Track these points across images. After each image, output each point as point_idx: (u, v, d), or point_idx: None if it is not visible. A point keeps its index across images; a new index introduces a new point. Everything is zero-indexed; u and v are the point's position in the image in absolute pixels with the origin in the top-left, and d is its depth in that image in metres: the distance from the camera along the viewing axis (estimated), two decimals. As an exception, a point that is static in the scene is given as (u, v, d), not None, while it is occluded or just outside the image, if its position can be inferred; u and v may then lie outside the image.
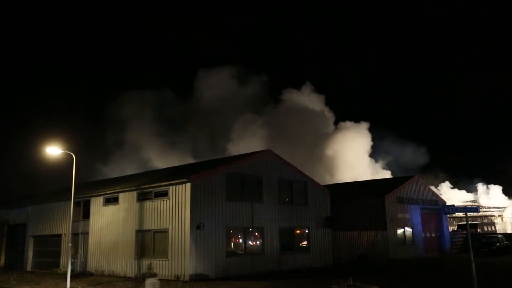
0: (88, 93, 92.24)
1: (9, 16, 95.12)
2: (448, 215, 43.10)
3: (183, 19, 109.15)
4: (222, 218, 23.50)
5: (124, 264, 24.93)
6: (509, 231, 55.08)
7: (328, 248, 29.06)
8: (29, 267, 31.87)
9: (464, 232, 40.50)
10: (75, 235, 27.83)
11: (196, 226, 22.07)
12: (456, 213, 45.74)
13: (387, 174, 63.78)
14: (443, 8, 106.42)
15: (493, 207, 63.06)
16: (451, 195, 64.09)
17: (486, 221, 55.39)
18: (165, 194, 23.62)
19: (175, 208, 22.85)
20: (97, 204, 27.74)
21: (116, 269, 25.27)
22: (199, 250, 22.00)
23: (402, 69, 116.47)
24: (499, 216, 59.69)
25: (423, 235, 37.80)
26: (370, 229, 33.82)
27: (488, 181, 70.75)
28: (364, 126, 64.67)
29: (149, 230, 24.04)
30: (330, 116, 67.74)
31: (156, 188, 24.18)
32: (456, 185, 70.08)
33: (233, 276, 22.66)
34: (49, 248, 30.88)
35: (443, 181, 69.87)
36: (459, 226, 47.29)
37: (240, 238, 24.78)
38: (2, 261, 35.51)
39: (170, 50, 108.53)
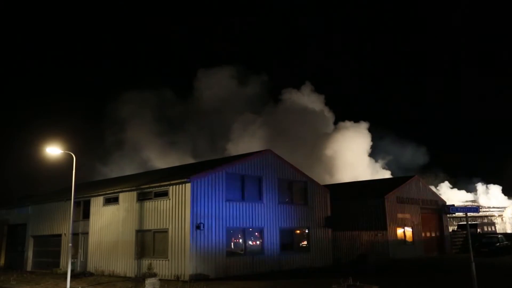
0: (88, 93, 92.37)
1: (9, 16, 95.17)
2: (448, 215, 43.10)
3: (183, 19, 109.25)
4: (222, 218, 23.50)
5: (124, 264, 24.94)
6: (509, 231, 55.08)
7: (328, 248, 29.05)
8: (29, 267, 31.87)
9: (464, 232, 40.50)
10: (75, 235, 27.81)
11: (196, 226, 22.07)
12: (456, 213, 45.95)
13: (386, 174, 63.79)
14: (443, 7, 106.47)
15: (493, 207, 63.05)
16: (451, 195, 64.09)
17: (486, 221, 55.39)
18: (165, 194, 23.62)
19: (175, 208, 22.85)
20: (97, 204, 27.74)
21: (116, 269, 25.27)
22: (199, 250, 22.00)
23: (402, 69, 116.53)
24: (499, 216, 59.70)
25: (423, 235, 37.80)
26: (370, 229, 33.82)
27: (487, 181, 70.82)
28: (363, 126, 64.75)
29: (149, 230, 24.04)
30: (329, 116, 67.83)
31: (156, 188, 24.18)
32: (456, 185, 70.15)
33: (233, 276, 22.66)
34: (49, 248, 30.88)
35: (443, 181, 69.93)
36: (459, 226, 47.30)
37: (240, 238, 24.78)
38: (2, 261, 35.51)
39: (170, 50, 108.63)
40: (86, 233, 28.11)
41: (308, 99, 66.74)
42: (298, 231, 27.90)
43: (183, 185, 22.71)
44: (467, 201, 64.89)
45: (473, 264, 16.23)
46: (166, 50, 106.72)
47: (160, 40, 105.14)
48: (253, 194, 25.53)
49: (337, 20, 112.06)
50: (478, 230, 45.62)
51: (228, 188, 24.13)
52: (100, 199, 27.54)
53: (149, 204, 24.36)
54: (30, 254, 32.45)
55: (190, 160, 55.49)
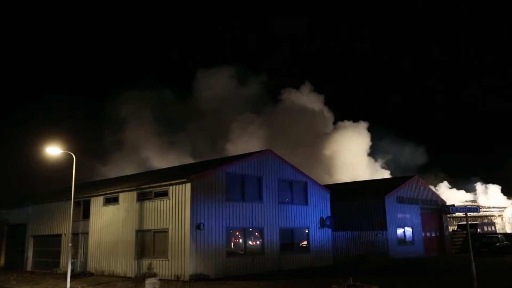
0: (88, 93, 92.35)
1: (9, 16, 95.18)
2: (448, 215, 43.11)
3: (182, 19, 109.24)
4: (222, 218, 23.50)
5: (124, 264, 24.94)
6: (509, 231, 55.07)
7: (328, 248, 29.07)
8: (29, 267, 31.87)
9: (464, 232, 40.51)
10: (75, 235, 27.83)
11: (196, 226, 22.07)
12: (456, 213, 45.96)
13: (386, 174, 63.79)
14: (443, 7, 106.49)
15: (493, 207, 63.03)
16: (450, 195, 64.02)
17: (486, 221, 55.39)
18: (165, 194, 23.63)
19: (175, 208, 22.85)
20: (97, 204, 27.74)
21: (116, 269, 25.27)
22: (199, 250, 22.01)
23: (402, 69, 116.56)
24: (499, 216, 59.70)
25: (423, 235, 37.82)
26: (370, 229, 33.83)
27: (486, 181, 70.77)
28: (363, 125, 64.69)
29: (149, 230, 24.05)
30: (329, 116, 67.81)
31: (156, 188, 24.19)
32: (455, 185, 70.13)
33: (233, 276, 22.66)
34: (49, 248, 30.89)
35: (442, 181, 69.88)
36: (459, 226, 47.31)
37: (240, 238, 24.78)
38: (2, 261, 35.51)
39: (169, 50, 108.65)
40: (86, 233, 28.11)
41: (308, 99, 66.73)
42: (298, 231, 27.85)
43: (183, 185, 22.71)
44: (466, 201, 64.88)
45: (473, 264, 16.23)
46: (166, 50, 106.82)
47: (159, 40, 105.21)
48: (253, 194, 25.54)
49: (337, 20, 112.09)
50: (478, 230, 45.62)
51: (228, 188, 24.13)
52: (100, 199, 27.54)
53: (149, 204, 24.37)
54: (30, 254, 32.46)
55: (189, 160, 55.53)
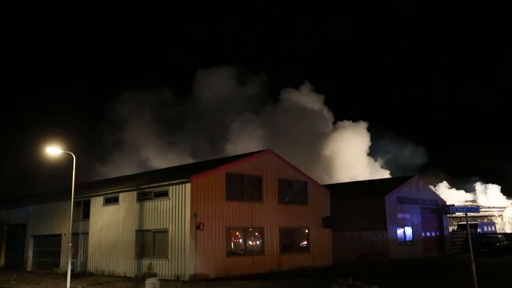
0: (87, 93, 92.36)
1: (9, 16, 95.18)
2: (448, 215, 43.11)
3: (182, 18, 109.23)
4: (222, 218, 23.50)
5: (124, 264, 24.94)
6: (508, 231, 55.08)
7: (328, 248, 29.06)
8: (29, 267, 31.87)
9: (464, 232, 40.51)
10: (75, 235, 27.83)
11: (196, 226, 22.07)
12: (456, 213, 45.97)
13: (385, 174, 63.80)
14: (443, 8, 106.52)
15: (493, 207, 63.03)
16: (449, 195, 64.02)
17: (486, 221, 55.40)
18: (165, 194, 23.62)
19: (175, 208, 22.85)
20: (97, 204, 27.74)
21: (116, 269, 25.27)
22: (199, 250, 22.00)
23: (402, 68, 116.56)
24: (499, 216, 59.69)
25: (423, 235, 37.82)
26: (370, 229, 33.82)
27: (486, 181, 70.75)
28: (362, 125, 64.66)
29: (149, 230, 24.04)
30: (329, 115, 67.80)
31: (156, 188, 24.19)
32: (454, 185, 70.14)
33: (233, 276, 22.66)
34: (49, 248, 30.89)
35: (441, 181, 69.86)
36: (459, 226, 47.31)
37: (240, 238, 24.78)
38: (2, 261, 35.52)
39: (169, 50, 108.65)
40: (86, 233, 28.11)
41: (307, 99, 66.71)
42: (298, 231, 27.85)
43: (183, 185, 22.70)
44: (466, 201, 64.87)
45: (473, 264, 16.23)
46: (166, 50, 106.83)
47: (159, 40, 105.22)
48: (253, 194, 25.54)
49: (337, 20, 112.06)
50: (478, 230, 45.63)
51: (228, 188, 24.12)
52: (100, 199, 27.54)
53: (149, 204, 24.36)
54: (30, 254, 32.45)
55: (189, 160, 55.54)
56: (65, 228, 28.96)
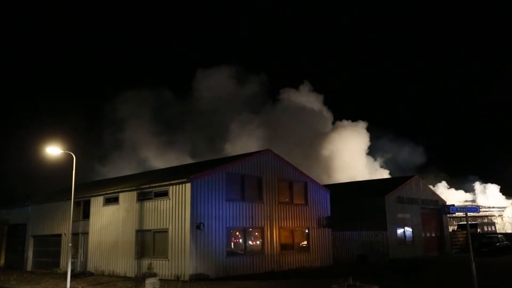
0: (87, 93, 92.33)
1: (9, 16, 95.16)
2: (448, 215, 43.11)
3: (182, 18, 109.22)
4: (222, 218, 23.50)
5: (124, 264, 24.94)
6: (509, 231, 55.07)
7: (328, 248, 29.06)
8: (29, 267, 31.86)
9: (464, 232, 40.52)
10: (75, 235, 27.83)
11: (196, 226, 22.07)
12: (456, 213, 45.93)
13: (385, 174, 63.80)
14: (443, 7, 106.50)
15: (493, 207, 63.00)
16: (448, 195, 64.00)
17: (486, 221, 55.39)
18: (165, 194, 23.62)
19: (175, 208, 22.85)
20: (97, 204, 27.74)
21: (116, 269, 25.27)
22: (199, 250, 22.01)
23: (404, 69, 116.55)
24: (499, 216, 59.67)
25: (423, 235, 37.82)
26: (370, 229, 33.83)
27: (485, 181, 70.73)
28: (361, 125, 64.63)
29: (149, 230, 24.04)
30: (328, 115, 67.79)
31: (156, 188, 24.18)
32: (453, 184, 70.13)
33: (233, 276, 22.67)
34: (49, 248, 30.88)
35: (440, 181, 69.83)
36: (459, 226, 47.31)
37: (240, 238, 24.78)
38: (2, 261, 35.51)
39: (168, 50, 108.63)
40: (86, 233, 28.10)
41: (307, 99, 66.69)
42: (298, 231, 27.85)
43: (183, 185, 22.70)
44: (466, 201, 64.84)
45: (473, 264, 16.24)
46: (165, 50, 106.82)
47: (158, 40, 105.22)
48: (253, 194, 25.53)
49: (336, 20, 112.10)
50: (478, 230, 45.63)
51: (228, 188, 24.12)
52: (100, 199, 27.54)
53: (149, 204, 24.36)
54: (30, 254, 32.44)
55: (188, 160, 55.55)
56: (65, 228, 28.95)
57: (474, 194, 69.83)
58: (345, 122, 65.44)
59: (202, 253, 22.11)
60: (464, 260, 22.71)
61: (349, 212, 35.57)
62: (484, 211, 58.70)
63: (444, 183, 69.13)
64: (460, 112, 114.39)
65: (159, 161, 57.83)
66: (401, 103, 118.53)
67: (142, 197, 24.83)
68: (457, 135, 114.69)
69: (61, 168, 37.40)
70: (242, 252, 24.45)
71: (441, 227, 40.21)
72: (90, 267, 26.88)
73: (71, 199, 21.38)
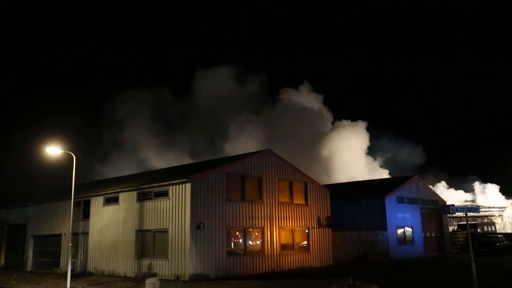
0: (87, 93, 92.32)
1: (9, 16, 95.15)
2: (448, 215, 43.11)
3: (181, 18, 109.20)
4: (222, 218, 23.50)
5: (124, 264, 24.93)
6: (509, 231, 55.06)
7: (328, 248, 29.07)
8: (29, 267, 31.85)
9: (464, 232, 40.52)
10: (75, 235, 27.83)
11: (196, 226, 22.07)
12: (456, 213, 45.95)
13: (384, 174, 63.78)
14: (443, 7, 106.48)
15: (493, 207, 62.99)
16: (448, 195, 64.00)
17: (486, 221, 55.39)
18: (165, 194, 23.62)
19: (175, 208, 22.85)
20: (97, 204, 27.74)
21: (116, 269, 25.27)
22: (199, 250, 22.00)
23: (403, 69, 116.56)
24: (499, 216, 59.65)
25: (423, 235, 37.82)
26: (370, 229, 33.83)
27: (484, 180, 70.73)
28: (361, 125, 64.61)
29: (149, 230, 24.04)
30: (328, 115, 67.75)
31: (156, 188, 24.18)
32: (453, 184, 70.10)
33: (233, 276, 22.66)
34: (49, 248, 30.88)
35: (440, 181, 69.83)
36: (459, 226, 47.31)
37: (240, 238, 24.78)
38: (2, 261, 35.50)
39: (168, 50, 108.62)
40: (86, 233, 28.10)
41: (307, 99, 66.64)
42: (298, 231, 27.85)
43: (183, 185, 22.70)
44: (466, 201, 64.82)
45: (473, 264, 16.23)
46: (165, 50, 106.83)
47: (158, 40, 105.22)
48: (253, 194, 25.52)
49: (335, 20, 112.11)
50: (478, 230, 45.63)
51: (228, 188, 24.12)
52: (100, 199, 27.54)
53: (149, 204, 24.36)
54: (30, 254, 32.44)
55: (188, 160, 55.54)
56: (65, 228, 28.95)
57: (474, 194, 69.84)
58: (344, 122, 65.47)
59: (202, 253, 22.11)
60: (464, 260, 22.72)
61: (349, 212, 35.58)
62: (484, 211, 58.69)
63: (443, 183, 69.13)
64: (460, 112, 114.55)
65: (158, 161, 57.86)
66: (401, 103, 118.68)
67: (142, 197, 24.83)
68: (457, 135, 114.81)
69: (61, 168, 37.44)
70: (242, 252, 24.45)
71: (441, 227, 40.19)
72: (90, 267, 26.88)
73: (71, 199, 21.38)
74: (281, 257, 25.88)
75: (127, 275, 24.34)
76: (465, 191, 69.35)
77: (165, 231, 23.10)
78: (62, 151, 21.52)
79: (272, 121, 63.76)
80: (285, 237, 26.67)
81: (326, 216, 29.31)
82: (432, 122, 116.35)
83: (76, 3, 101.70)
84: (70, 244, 21.01)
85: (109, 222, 26.56)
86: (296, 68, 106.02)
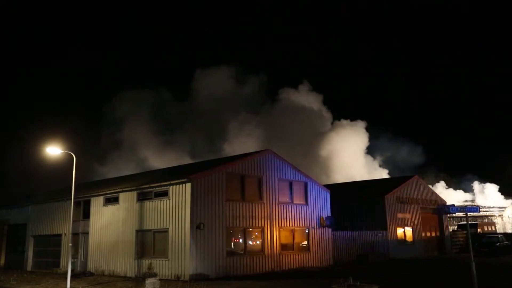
0: (86, 93, 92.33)
1: (9, 16, 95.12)
2: (448, 215, 43.13)
3: (181, 18, 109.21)
4: (222, 218, 23.50)
5: (124, 264, 24.94)
6: (509, 231, 55.08)
7: (328, 248, 29.07)
8: (29, 267, 31.85)
9: (464, 232, 40.53)
10: (75, 235, 27.83)
11: (196, 226, 22.07)
12: (456, 213, 45.97)
13: (384, 173, 63.81)
14: (443, 7, 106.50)
15: (493, 207, 63.01)
16: (447, 195, 63.99)
17: (486, 221, 55.40)
18: (165, 194, 23.62)
19: (175, 208, 22.85)
20: (97, 204, 27.74)
21: (116, 269, 25.27)
22: (199, 250, 22.01)
23: (403, 69, 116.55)
24: (499, 216, 59.66)
25: (423, 235, 37.82)
26: (370, 229, 33.84)
27: (483, 180, 70.74)
28: (360, 125, 64.64)
29: (149, 230, 24.04)
30: (327, 115, 67.77)
31: (156, 188, 24.18)
32: (452, 184, 70.11)
33: (233, 276, 22.66)
34: (49, 248, 30.88)
35: (439, 181, 69.86)
36: (459, 226, 47.33)
37: (240, 238, 24.78)
38: (2, 261, 35.50)
39: (167, 50, 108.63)
40: (86, 233, 28.10)
41: (306, 99, 66.64)
42: (298, 231, 27.85)
43: (183, 185, 22.70)
44: (466, 201, 64.83)
45: (473, 264, 16.24)
46: (164, 49, 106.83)
47: (158, 40, 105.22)
48: (253, 194, 25.53)
49: (335, 20, 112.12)
50: (478, 230, 45.63)
51: (228, 188, 24.12)
52: (100, 199, 27.54)
53: (149, 204, 24.36)
54: (30, 254, 32.44)
55: (187, 160, 55.55)
56: (65, 228, 28.95)
57: (473, 194, 69.87)
58: (344, 122, 65.54)
59: (202, 253, 22.11)
60: (464, 260, 22.72)
61: (349, 212, 35.57)
62: (484, 211, 58.71)
63: (442, 183, 69.16)
64: (460, 112, 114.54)
65: (158, 161, 57.85)
66: (401, 103, 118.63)
67: (142, 197, 24.83)
68: (456, 135, 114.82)
69: (61, 168, 37.44)
70: (242, 252, 24.45)
71: (441, 227, 40.20)
72: (90, 267, 26.88)
73: (71, 199, 21.38)
74: (281, 257, 25.89)
75: (127, 275, 24.34)
76: (464, 191, 69.41)
77: (165, 231, 23.10)
78: (62, 151, 21.52)
79: (272, 121, 63.82)
80: (285, 237, 26.67)
81: (326, 216, 29.30)
82: (432, 122, 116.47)
83: (76, 3, 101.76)
84: (70, 244, 21.01)
85: (109, 222, 26.56)
86: (296, 68, 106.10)
